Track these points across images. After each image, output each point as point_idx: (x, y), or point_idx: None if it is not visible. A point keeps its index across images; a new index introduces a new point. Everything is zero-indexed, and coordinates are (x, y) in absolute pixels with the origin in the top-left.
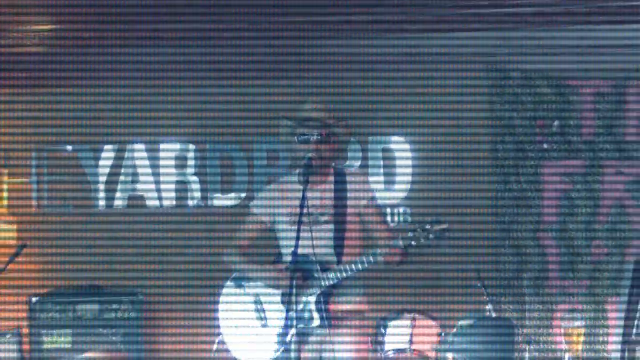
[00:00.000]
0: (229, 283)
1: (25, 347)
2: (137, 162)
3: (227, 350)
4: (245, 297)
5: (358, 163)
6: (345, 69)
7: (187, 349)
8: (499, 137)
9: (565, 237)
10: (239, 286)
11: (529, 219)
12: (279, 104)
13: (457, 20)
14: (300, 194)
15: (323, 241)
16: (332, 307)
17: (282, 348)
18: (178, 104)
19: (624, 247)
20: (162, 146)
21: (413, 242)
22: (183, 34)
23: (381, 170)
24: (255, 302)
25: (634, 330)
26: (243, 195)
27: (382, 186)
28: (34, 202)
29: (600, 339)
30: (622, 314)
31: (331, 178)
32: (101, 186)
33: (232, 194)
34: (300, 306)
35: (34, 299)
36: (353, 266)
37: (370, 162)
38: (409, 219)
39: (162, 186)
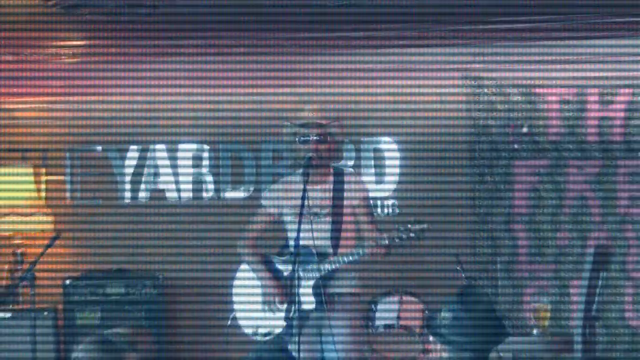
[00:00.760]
0: (242, 267)
1: (60, 322)
2: (159, 161)
3: (238, 326)
4: (255, 280)
5: (352, 162)
6: (341, 77)
7: (202, 325)
8: (476, 138)
9: (533, 227)
10: (251, 270)
11: (502, 211)
12: (282, 109)
13: (438, 36)
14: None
15: (322, 234)
16: (329, 290)
17: (286, 324)
18: (194, 111)
19: (585, 235)
20: (180, 146)
21: (397, 240)
22: (199, 49)
23: (372, 169)
24: (263, 286)
25: (594, 307)
26: (251, 189)
27: (373, 180)
28: (68, 196)
29: (565, 315)
30: (584, 294)
31: (331, 178)
32: (127, 182)
33: (242, 188)
34: (302, 290)
35: (67, 281)
36: (345, 258)
37: (363, 162)
38: (397, 210)
39: (181, 181)
